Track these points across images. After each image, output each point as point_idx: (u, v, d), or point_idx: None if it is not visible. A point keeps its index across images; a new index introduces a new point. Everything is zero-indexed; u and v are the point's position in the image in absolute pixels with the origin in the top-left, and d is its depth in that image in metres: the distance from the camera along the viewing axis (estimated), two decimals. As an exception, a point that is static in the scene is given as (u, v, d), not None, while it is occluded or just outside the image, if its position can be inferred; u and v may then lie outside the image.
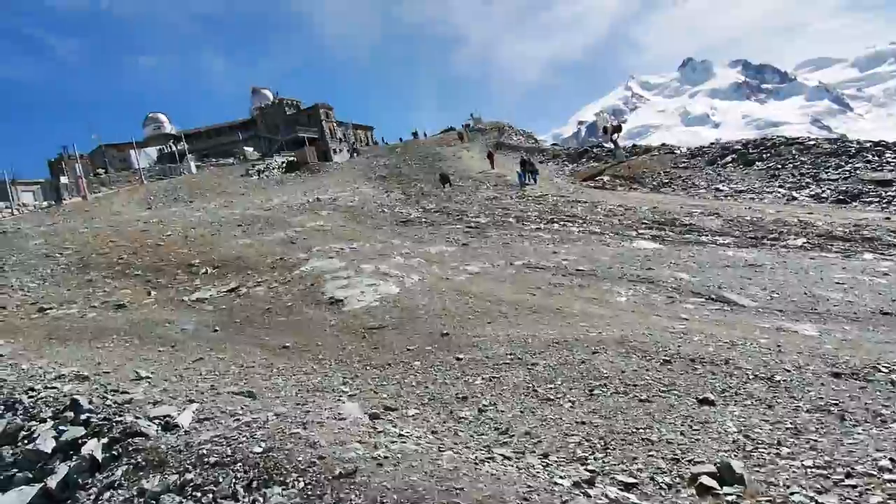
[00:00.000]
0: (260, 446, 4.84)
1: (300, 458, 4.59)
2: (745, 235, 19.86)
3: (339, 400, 7.87)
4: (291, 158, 68.88)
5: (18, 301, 18.83)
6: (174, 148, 79.97)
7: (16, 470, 5.02)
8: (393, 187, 42.17)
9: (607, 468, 5.43)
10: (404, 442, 5.44)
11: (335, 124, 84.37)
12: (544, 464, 5.44)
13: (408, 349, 10.77)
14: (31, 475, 4.82)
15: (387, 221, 27.48)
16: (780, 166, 29.20)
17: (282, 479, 4.32)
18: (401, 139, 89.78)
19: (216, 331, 13.89)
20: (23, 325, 16.24)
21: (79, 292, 19.58)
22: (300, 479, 4.32)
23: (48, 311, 17.56)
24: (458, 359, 9.76)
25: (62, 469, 4.67)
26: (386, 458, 4.71)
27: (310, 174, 64.33)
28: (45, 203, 58.94)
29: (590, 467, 5.44)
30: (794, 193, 25.83)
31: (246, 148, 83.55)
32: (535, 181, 33.01)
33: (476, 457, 5.24)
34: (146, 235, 27.94)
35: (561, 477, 4.89)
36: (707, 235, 20.05)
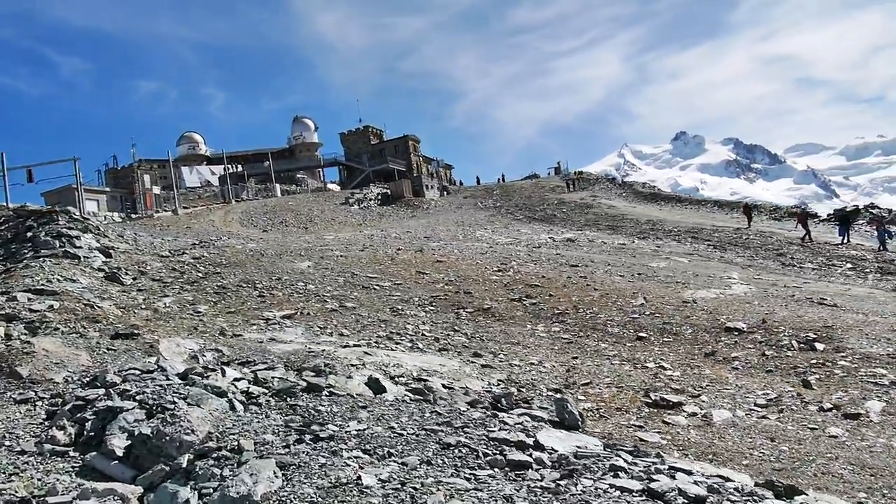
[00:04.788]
0: None
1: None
2: None
3: None
4: (385, 191, 61.06)
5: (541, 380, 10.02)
6: (237, 170, 71.16)
7: None
8: (614, 234, 34.05)
9: None
10: None
11: (421, 158, 76.60)
12: None
13: None
14: None
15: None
16: None
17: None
18: (478, 180, 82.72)
19: None
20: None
21: (607, 366, 10.81)
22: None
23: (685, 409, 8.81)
24: None
25: None
26: None
27: (408, 209, 56.95)
28: (116, 214, 49.97)
29: None
30: None
31: (300, 175, 75.55)
32: (884, 247, 24.66)
33: None
34: (452, 266, 19.26)
35: None
36: None
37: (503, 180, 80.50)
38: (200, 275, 17.28)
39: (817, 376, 10.38)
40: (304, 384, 7.64)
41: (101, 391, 7.21)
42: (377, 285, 17.02)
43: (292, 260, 19.84)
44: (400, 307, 14.89)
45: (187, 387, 7.33)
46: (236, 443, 5.64)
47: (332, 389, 7.52)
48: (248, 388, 7.52)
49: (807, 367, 10.81)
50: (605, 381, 10.13)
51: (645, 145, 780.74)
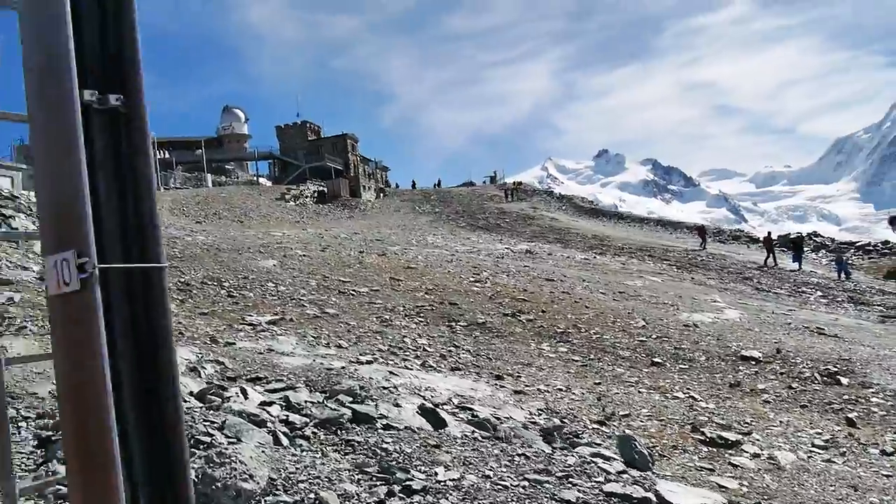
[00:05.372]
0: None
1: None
2: None
3: None
4: (322, 188, 59.42)
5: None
6: (164, 156, 67.87)
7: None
8: (587, 251, 33.89)
9: None
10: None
11: (358, 158, 75.07)
12: None
13: None
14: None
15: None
16: None
17: None
18: (413, 184, 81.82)
19: None
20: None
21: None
22: None
23: None
24: None
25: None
26: None
27: (345, 209, 55.65)
28: (33, 194, 46.53)
29: None
30: None
31: (229, 166, 73.29)
32: (847, 276, 24.47)
33: None
34: (425, 274, 18.29)
35: None
36: None
37: (440, 186, 79.83)
38: (156, 269, 15.62)
39: (856, 414, 9.93)
40: (350, 413, 6.52)
41: (109, 415, 5.82)
42: (353, 290, 15.85)
43: (254, 257, 18.36)
44: (387, 317, 13.79)
45: (211, 411, 6.12)
46: (313, 495, 4.54)
47: (386, 421, 6.43)
48: (288, 416, 6.34)
49: (841, 403, 10.37)
50: (643, 413, 9.36)
51: (568, 160, 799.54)
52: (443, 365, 10.77)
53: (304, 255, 19.83)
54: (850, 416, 9.78)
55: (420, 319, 14.04)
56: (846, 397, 10.58)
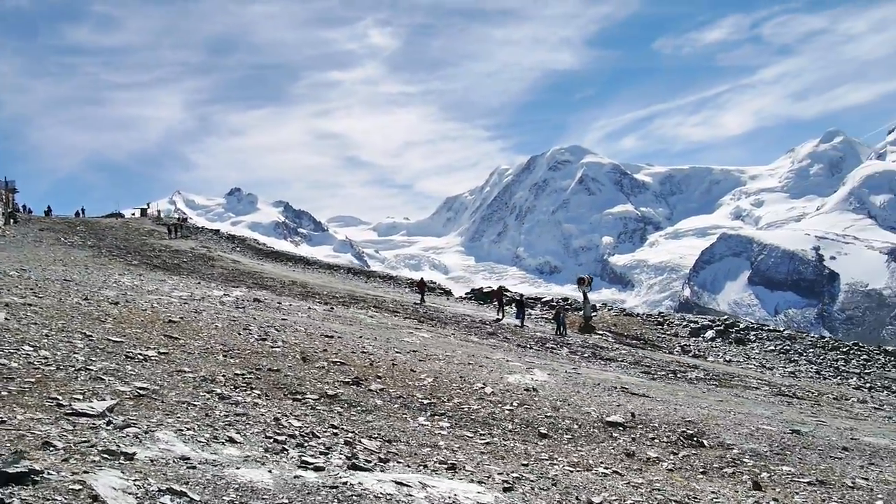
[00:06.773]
0: None
1: None
2: None
3: None
4: None
5: None
6: None
7: None
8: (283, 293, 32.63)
9: None
10: None
11: (-25, 176, 62.55)
12: None
13: None
14: None
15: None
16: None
17: None
18: (48, 211, 71.54)
19: None
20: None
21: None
22: None
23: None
24: None
25: None
26: None
27: None
28: None
29: None
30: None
31: None
32: (565, 332, 27.56)
33: None
34: (195, 330, 15.76)
35: None
36: None
37: (83, 214, 70.64)
38: None
39: (748, 477, 10.78)
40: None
41: None
42: (141, 354, 12.63)
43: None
44: (218, 391, 11.21)
45: None
46: None
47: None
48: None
49: (730, 466, 11.17)
50: (609, 498, 8.87)
51: (198, 195, 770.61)
52: (360, 455, 8.96)
53: (25, 304, 15.27)
54: (749, 479, 10.55)
55: (258, 393, 11.69)
56: (727, 460, 11.43)
